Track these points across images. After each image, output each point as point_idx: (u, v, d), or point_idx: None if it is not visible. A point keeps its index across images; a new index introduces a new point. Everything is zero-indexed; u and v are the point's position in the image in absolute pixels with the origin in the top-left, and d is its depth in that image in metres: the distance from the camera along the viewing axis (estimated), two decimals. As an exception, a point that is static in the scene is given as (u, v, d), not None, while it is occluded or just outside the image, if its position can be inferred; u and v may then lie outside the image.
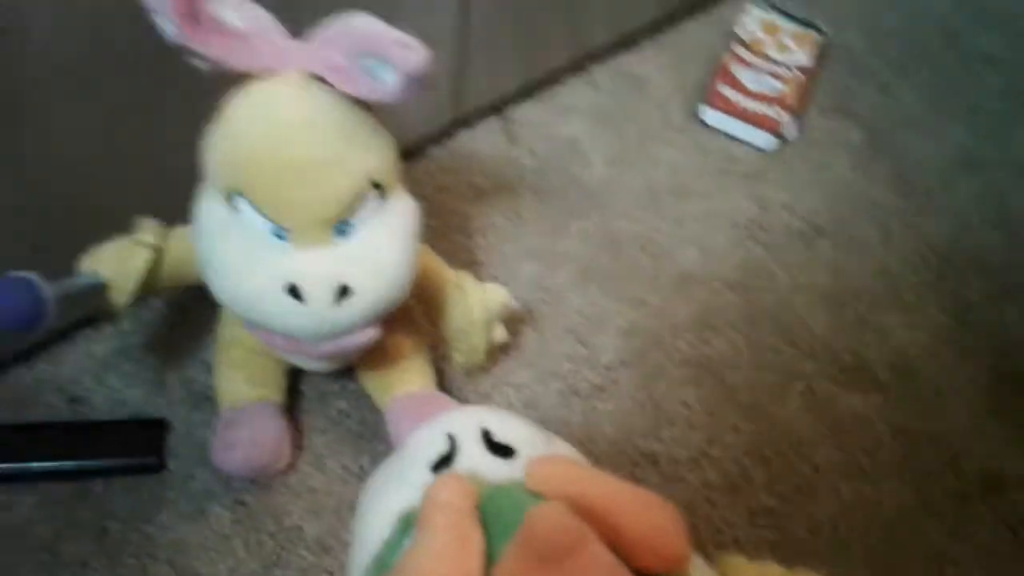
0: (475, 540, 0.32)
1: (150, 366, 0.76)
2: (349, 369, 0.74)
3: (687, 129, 1.02)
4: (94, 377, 0.75)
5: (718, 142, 1.01)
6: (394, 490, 0.41)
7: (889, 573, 0.74)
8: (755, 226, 0.95)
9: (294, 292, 0.56)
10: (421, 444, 0.42)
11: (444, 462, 0.41)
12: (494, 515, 0.35)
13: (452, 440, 0.41)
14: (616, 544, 0.32)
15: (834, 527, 0.76)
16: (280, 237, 0.56)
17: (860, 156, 1.03)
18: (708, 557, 0.42)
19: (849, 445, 0.81)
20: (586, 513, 0.32)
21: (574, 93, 1.03)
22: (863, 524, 0.76)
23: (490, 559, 0.33)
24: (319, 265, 0.56)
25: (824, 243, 0.95)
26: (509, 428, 0.43)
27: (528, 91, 1.01)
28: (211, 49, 0.51)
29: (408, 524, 0.37)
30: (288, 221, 0.55)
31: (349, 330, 0.59)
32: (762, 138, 1.01)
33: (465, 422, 0.41)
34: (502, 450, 0.42)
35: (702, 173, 0.98)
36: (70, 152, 0.64)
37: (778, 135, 1.00)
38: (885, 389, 0.85)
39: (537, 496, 0.36)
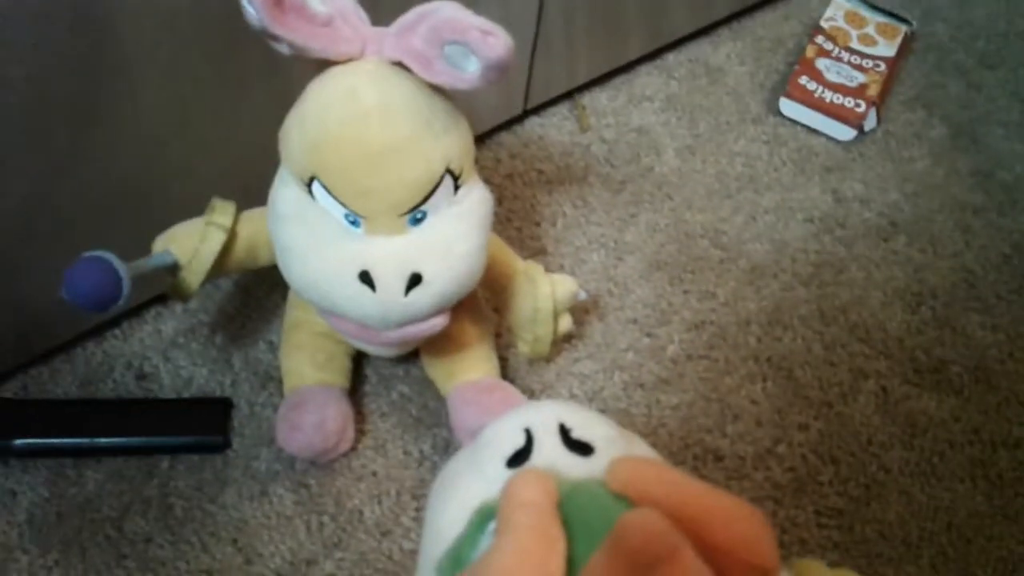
0: (558, 541, 0.31)
1: (217, 345, 0.78)
2: (413, 354, 0.75)
3: (763, 120, 1.00)
4: (161, 355, 0.77)
5: (795, 134, 0.99)
6: (468, 483, 0.40)
7: (959, 580, 0.72)
8: (831, 220, 0.93)
9: (366, 279, 0.57)
10: (497, 437, 0.41)
11: (520, 457, 0.40)
12: (575, 516, 0.34)
13: (529, 435, 0.41)
14: (702, 552, 0.31)
15: (903, 530, 0.74)
16: (354, 224, 0.57)
17: (943, 151, 1.00)
18: (782, 559, 0.41)
19: (921, 447, 0.79)
20: (672, 518, 0.31)
21: (648, 81, 1.01)
22: (933, 528, 0.75)
23: (571, 562, 0.33)
24: (392, 253, 0.57)
25: (902, 239, 0.92)
26: (588, 425, 0.42)
27: (601, 79, 1.00)
28: (293, 34, 0.51)
29: (484, 519, 0.36)
30: (363, 208, 0.56)
31: (418, 318, 0.59)
32: (841, 130, 0.98)
33: (542, 417, 0.40)
34: (580, 447, 0.41)
35: (777, 165, 0.97)
36: (147, 133, 0.66)
37: (858, 128, 0.98)
38: (961, 391, 0.82)
39: (620, 498, 0.35)
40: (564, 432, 0.40)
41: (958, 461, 0.78)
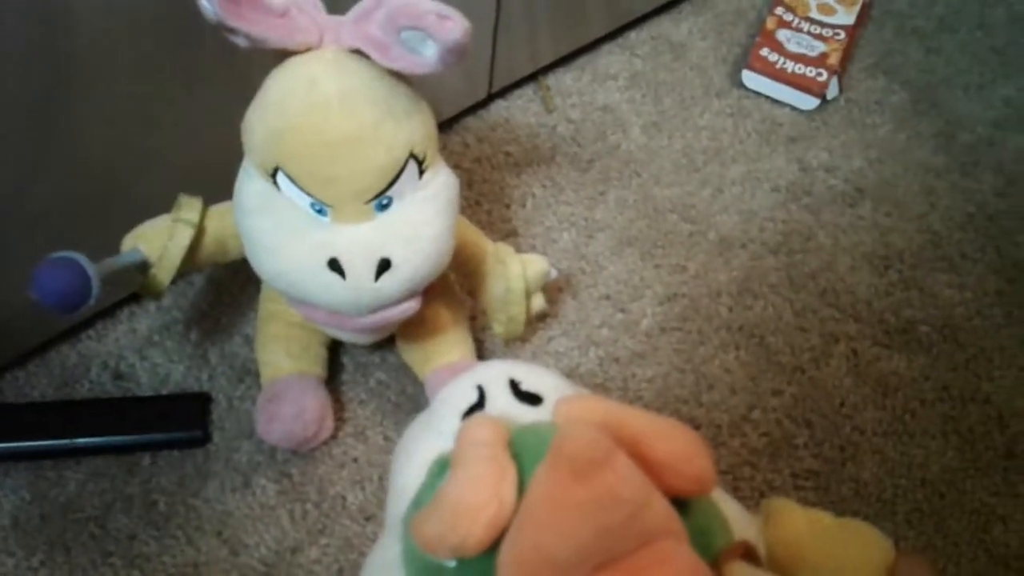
0: (508, 470, 0.33)
1: (192, 341, 0.78)
2: (389, 340, 0.76)
3: (727, 93, 1.01)
4: (137, 353, 0.77)
5: (759, 105, 1.00)
6: (426, 440, 0.42)
7: (935, 532, 0.74)
8: (797, 189, 0.94)
9: (335, 267, 0.57)
10: (451, 396, 0.43)
11: (473, 411, 0.42)
12: (525, 449, 0.36)
13: (481, 390, 0.43)
14: (642, 467, 0.33)
15: (879, 488, 0.76)
16: (320, 212, 0.57)
17: (904, 116, 1.01)
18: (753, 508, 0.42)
19: (893, 406, 0.80)
20: (614, 439, 0.33)
21: (611, 60, 1.02)
22: (908, 485, 0.76)
23: (522, 488, 0.34)
24: (359, 239, 0.57)
25: (867, 204, 0.94)
26: (536, 377, 0.44)
27: (564, 59, 1.00)
28: (249, 26, 0.52)
29: (442, 468, 0.38)
30: (328, 196, 0.56)
31: (389, 303, 0.60)
32: (804, 100, 1.00)
33: (493, 373, 0.43)
34: (530, 398, 0.43)
35: (742, 137, 0.98)
36: (110, 130, 0.66)
37: (820, 96, 0.99)
38: (930, 350, 0.84)
39: None
40: (514, 385, 0.43)
41: (929, 418, 0.80)
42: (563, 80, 1.00)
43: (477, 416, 0.38)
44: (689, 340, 0.83)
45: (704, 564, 0.32)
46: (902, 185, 0.96)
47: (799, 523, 0.45)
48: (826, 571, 0.44)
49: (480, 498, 0.32)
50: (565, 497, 0.31)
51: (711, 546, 0.36)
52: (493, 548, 0.33)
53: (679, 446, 0.34)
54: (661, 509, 0.32)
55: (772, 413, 0.79)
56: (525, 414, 0.41)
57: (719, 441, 0.77)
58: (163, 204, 0.65)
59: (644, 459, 0.33)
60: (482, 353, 0.79)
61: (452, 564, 0.34)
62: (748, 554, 0.37)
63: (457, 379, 0.44)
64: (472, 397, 0.43)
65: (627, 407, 0.36)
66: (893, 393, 0.81)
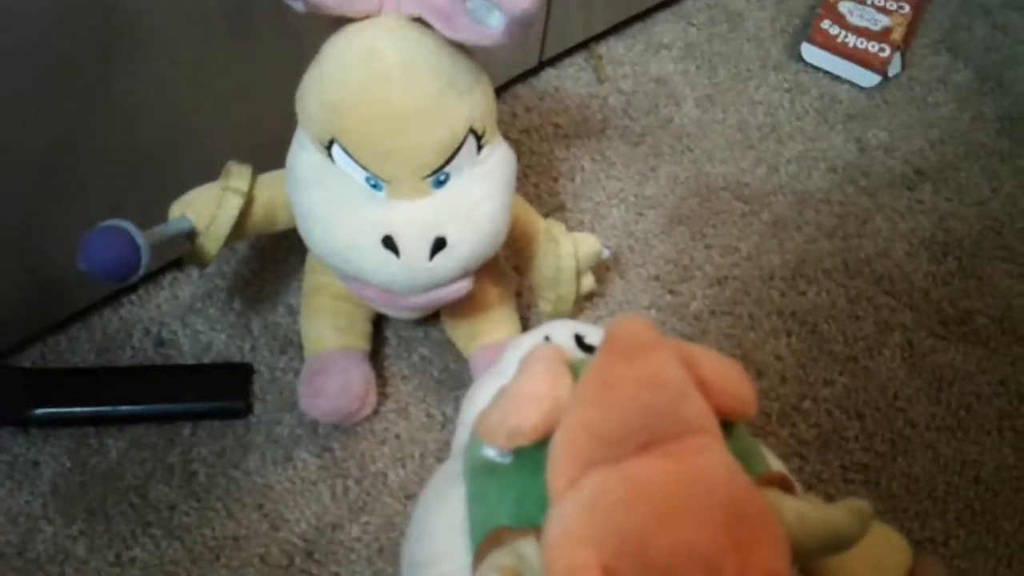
0: (564, 376, 0.35)
1: (235, 310, 0.77)
2: (433, 316, 0.74)
3: (785, 67, 0.97)
4: (179, 320, 0.76)
5: (818, 81, 0.97)
6: (495, 378, 0.43)
7: (987, 532, 0.72)
8: (854, 169, 0.91)
9: (390, 244, 0.55)
10: (520, 344, 0.44)
11: None
12: (582, 370, 0.37)
13: (548, 340, 0.46)
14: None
15: (930, 484, 0.74)
16: (376, 187, 0.55)
17: (968, 95, 0.97)
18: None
19: (948, 400, 0.78)
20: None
21: (665, 28, 0.99)
22: (960, 482, 0.74)
23: None
24: (416, 217, 0.55)
25: (927, 187, 0.91)
26: (599, 334, 0.46)
27: (617, 27, 0.97)
28: (308, -9, 0.50)
29: None
30: (385, 171, 0.54)
31: (443, 282, 0.58)
32: (865, 76, 0.96)
33: (560, 327, 0.46)
34: (592, 351, 0.45)
35: (799, 114, 0.94)
36: (161, 94, 0.64)
37: (881, 73, 0.95)
38: (987, 342, 0.81)
39: None
40: (578, 339, 0.46)
41: (985, 414, 0.78)
42: (615, 49, 0.96)
43: (540, 344, 0.41)
44: (739, 325, 0.80)
45: (739, 465, 0.34)
46: (964, 168, 0.92)
47: None
48: (845, 571, 0.44)
49: (537, 391, 0.35)
50: (613, 376, 0.33)
51: (750, 470, 0.37)
52: (545, 445, 0.34)
53: (723, 369, 0.37)
54: (701, 406, 0.34)
55: (823, 403, 0.77)
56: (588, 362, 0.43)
57: (768, 431, 0.75)
58: (212, 171, 0.63)
59: (693, 376, 0.36)
60: (527, 331, 0.77)
61: (508, 460, 0.35)
62: (783, 484, 0.38)
63: (526, 333, 0.45)
64: (539, 343, 0.46)
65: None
66: (948, 386, 0.79)
